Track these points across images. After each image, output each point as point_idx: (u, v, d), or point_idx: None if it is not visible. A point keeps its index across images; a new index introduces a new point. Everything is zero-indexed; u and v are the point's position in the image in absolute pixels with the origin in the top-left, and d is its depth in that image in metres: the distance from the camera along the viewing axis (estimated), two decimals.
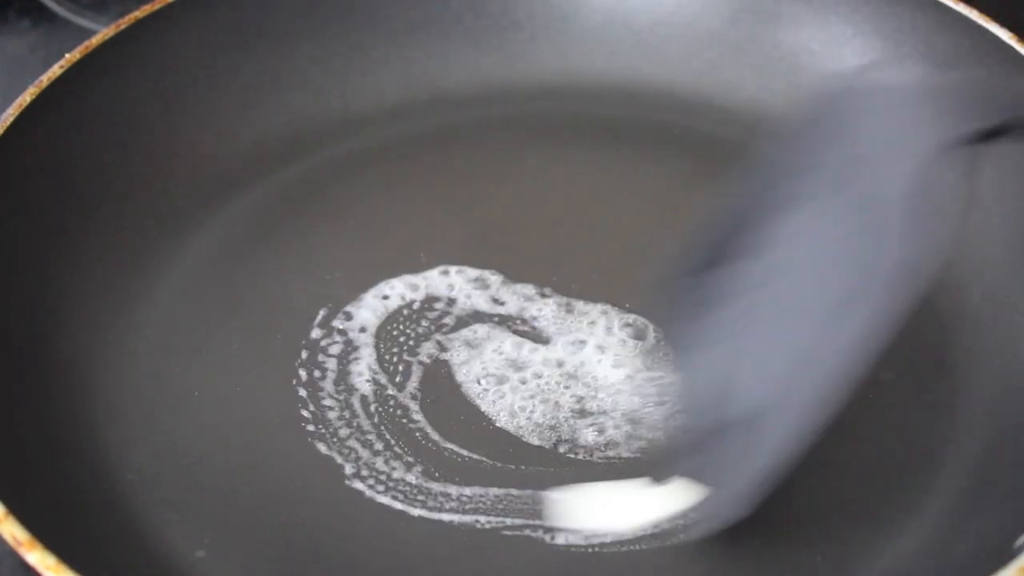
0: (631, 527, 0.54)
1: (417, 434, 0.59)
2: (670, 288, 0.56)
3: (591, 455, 0.57)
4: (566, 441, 0.58)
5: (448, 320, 0.63)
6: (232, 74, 0.71)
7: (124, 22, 0.67)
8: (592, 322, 0.63)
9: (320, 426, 0.59)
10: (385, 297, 0.64)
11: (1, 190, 0.61)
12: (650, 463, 0.56)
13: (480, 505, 0.56)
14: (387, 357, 0.62)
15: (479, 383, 0.61)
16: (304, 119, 0.73)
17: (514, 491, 0.56)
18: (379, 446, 0.58)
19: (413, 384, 0.61)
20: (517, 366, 0.61)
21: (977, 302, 0.63)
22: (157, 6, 0.68)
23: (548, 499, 0.55)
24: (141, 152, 0.68)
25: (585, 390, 0.60)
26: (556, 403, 0.59)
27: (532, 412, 0.59)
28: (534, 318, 0.63)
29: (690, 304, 0.56)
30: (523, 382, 0.60)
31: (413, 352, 0.62)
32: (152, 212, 0.67)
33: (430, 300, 0.64)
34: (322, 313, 0.64)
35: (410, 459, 0.58)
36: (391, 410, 0.60)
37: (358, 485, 0.57)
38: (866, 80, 0.52)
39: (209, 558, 0.55)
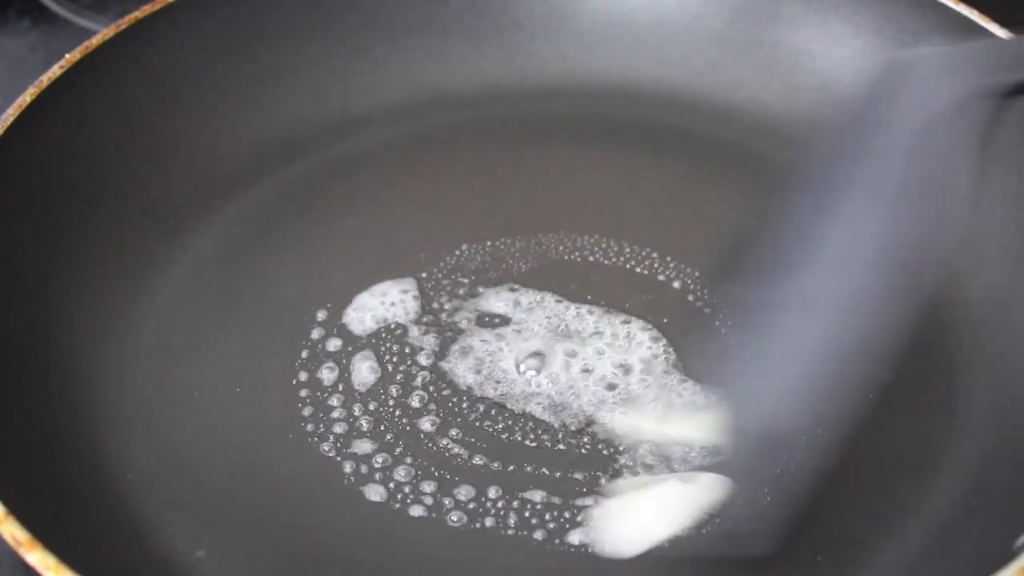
0: (671, 530, 0.54)
1: (417, 434, 0.59)
2: (731, 297, 0.56)
3: (595, 454, 0.57)
4: (569, 441, 0.58)
5: (448, 320, 0.64)
6: (232, 74, 0.71)
7: (124, 22, 0.67)
8: (589, 322, 0.63)
9: (320, 426, 0.59)
10: (385, 297, 0.64)
11: (1, 190, 0.61)
12: (661, 463, 0.56)
13: (480, 505, 0.56)
14: (387, 357, 0.62)
15: (478, 383, 0.61)
16: (304, 119, 0.73)
17: (515, 492, 0.56)
18: (379, 446, 0.58)
19: (413, 384, 0.61)
20: (517, 367, 0.61)
21: (977, 302, 0.63)
22: (157, 6, 0.68)
23: (589, 516, 0.55)
24: (141, 152, 0.68)
25: (585, 390, 0.60)
26: (558, 404, 0.59)
27: (533, 413, 0.59)
28: (534, 318, 0.63)
29: (744, 312, 0.55)
30: (524, 383, 0.60)
31: (413, 352, 0.62)
32: (152, 212, 0.67)
33: (430, 300, 0.64)
34: (322, 313, 0.64)
35: (410, 459, 0.58)
36: (391, 410, 0.60)
37: (358, 485, 0.57)
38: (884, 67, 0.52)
39: (209, 558, 0.55)
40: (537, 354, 0.62)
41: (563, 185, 0.71)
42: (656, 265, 0.66)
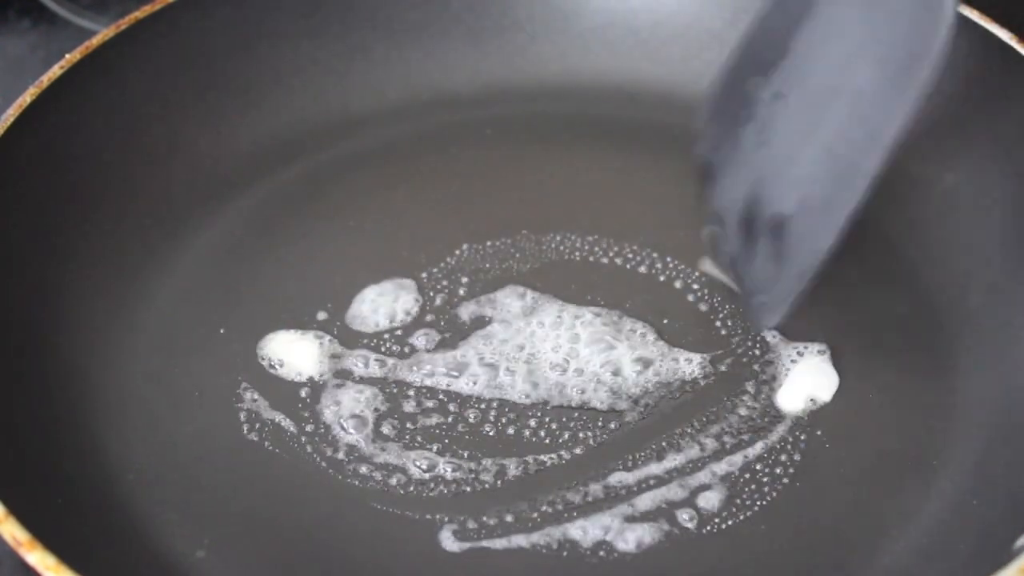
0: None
1: (418, 435, 0.59)
2: (712, 99, 0.57)
3: (594, 455, 0.58)
4: (569, 443, 0.58)
5: (448, 320, 0.64)
6: (232, 74, 0.71)
7: (124, 22, 0.67)
8: (589, 322, 0.63)
9: (320, 426, 0.59)
10: (385, 297, 0.64)
11: (1, 190, 0.61)
12: None
13: (481, 506, 0.56)
14: (387, 357, 0.62)
15: (478, 383, 0.61)
16: (304, 119, 0.73)
17: (515, 491, 0.56)
18: (379, 445, 0.58)
19: (413, 383, 0.61)
20: (516, 366, 0.61)
21: (977, 302, 0.63)
22: (157, 6, 0.68)
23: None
24: (141, 152, 0.68)
25: (586, 390, 0.60)
26: (555, 396, 0.60)
27: (531, 408, 0.59)
28: (534, 318, 0.63)
29: (728, 115, 0.56)
30: (523, 382, 0.60)
31: (414, 351, 0.62)
32: (152, 212, 0.67)
33: (430, 300, 0.65)
34: (322, 313, 0.64)
35: (409, 459, 0.58)
36: (391, 409, 0.60)
37: (358, 484, 0.57)
38: None
39: (209, 558, 0.55)
40: (537, 354, 0.62)
41: (563, 185, 0.71)
42: (656, 265, 0.66)
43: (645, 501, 0.56)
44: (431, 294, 0.65)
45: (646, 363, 0.61)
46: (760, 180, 0.54)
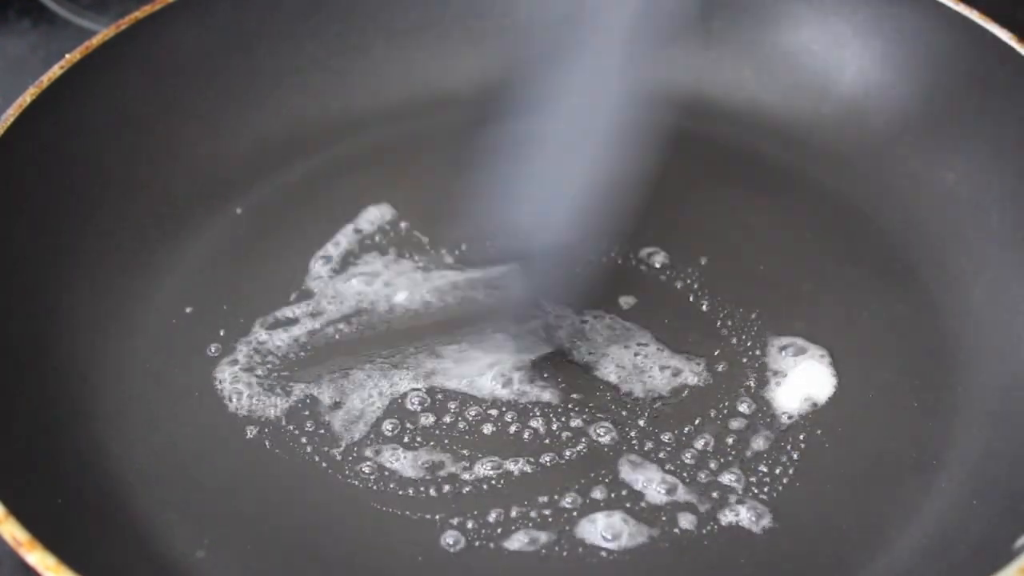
0: None
1: (417, 435, 0.59)
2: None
3: (592, 456, 0.58)
4: (562, 450, 0.58)
5: (447, 317, 0.64)
6: (232, 74, 0.71)
7: (124, 22, 0.67)
8: (589, 321, 0.63)
9: (320, 427, 0.59)
10: (386, 296, 0.64)
11: (1, 190, 0.61)
12: None
13: (481, 506, 0.56)
14: (388, 357, 0.62)
15: (478, 382, 0.61)
16: (304, 119, 0.73)
17: (515, 490, 0.56)
18: (379, 445, 0.58)
19: (413, 383, 0.61)
20: (516, 366, 0.61)
21: (977, 302, 0.63)
22: (157, 6, 0.68)
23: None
24: (141, 152, 0.68)
25: (585, 389, 0.60)
26: (557, 408, 0.60)
27: (531, 408, 0.59)
28: (533, 316, 0.63)
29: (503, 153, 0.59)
30: (524, 381, 0.60)
31: (414, 351, 0.62)
32: (152, 212, 0.67)
33: (431, 299, 0.64)
34: (322, 312, 0.64)
35: (409, 458, 0.58)
36: (391, 408, 0.60)
37: (358, 484, 0.57)
38: None
39: (209, 558, 0.55)
40: (536, 354, 0.62)
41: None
42: (657, 265, 0.66)
43: (645, 501, 0.56)
44: (431, 293, 0.65)
45: (646, 364, 0.61)
46: (522, 212, 0.58)
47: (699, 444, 0.58)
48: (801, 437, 0.58)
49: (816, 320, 0.63)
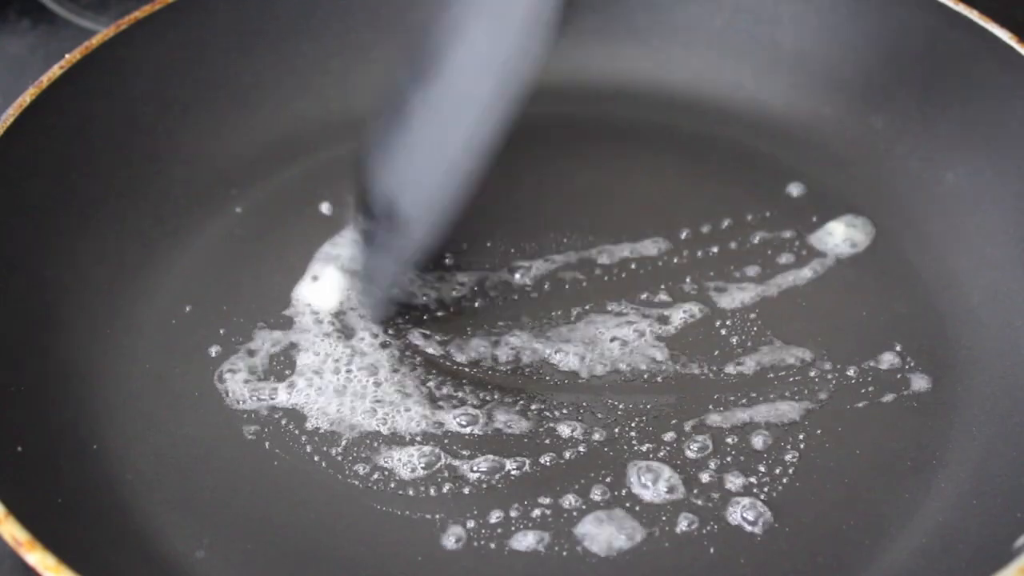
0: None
1: (418, 434, 0.59)
2: (382, 101, 0.61)
3: (584, 461, 0.58)
4: (568, 439, 0.58)
5: (444, 315, 0.64)
6: (232, 74, 0.71)
7: (124, 22, 0.67)
8: (589, 321, 0.63)
9: (320, 426, 0.59)
10: (387, 296, 0.65)
11: (1, 190, 0.61)
12: None
13: (482, 506, 0.56)
14: (388, 355, 0.62)
15: (478, 381, 0.61)
16: (304, 119, 0.73)
17: (515, 492, 0.57)
18: (379, 445, 0.58)
19: (415, 383, 0.61)
20: (516, 365, 0.61)
21: (977, 302, 0.63)
22: (157, 6, 0.68)
23: None
24: (141, 152, 0.68)
25: (582, 385, 0.60)
26: (554, 396, 0.60)
27: (531, 408, 0.59)
28: (534, 317, 0.63)
29: (390, 117, 0.60)
30: (522, 382, 0.60)
31: (416, 351, 0.62)
32: (152, 212, 0.67)
33: (431, 299, 0.64)
34: (323, 313, 0.64)
35: (408, 458, 0.58)
36: (392, 409, 0.60)
37: (358, 484, 0.57)
38: None
39: (209, 558, 0.55)
40: (538, 349, 0.62)
41: (563, 185, 0.71)
42: (657, 264, 0.66)
43: (645, 501, 0.56)
44: (431, 293, 0.65)
45: (646, 364, 0.61)
46: (398, 181, 0.59)
47: (698, 445, 0.58)
48: (801, 437, 0.58)
49: (816, 320, 0.63)
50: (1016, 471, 0.55)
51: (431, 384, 0.61)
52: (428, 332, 0.63)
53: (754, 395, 0.60)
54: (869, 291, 0.64)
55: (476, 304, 0.64)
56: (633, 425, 0.59)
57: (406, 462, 0.58)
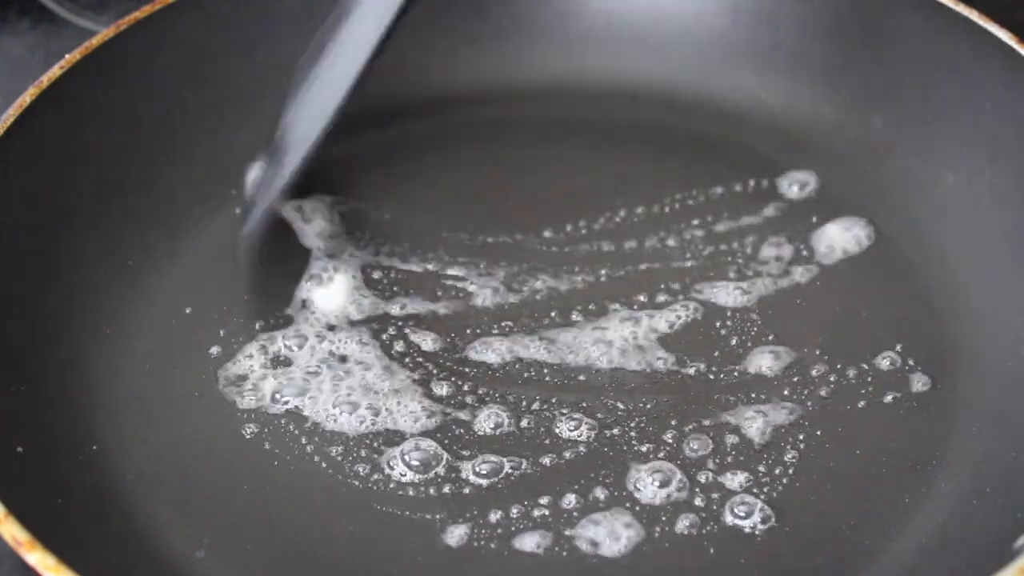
0: None
1: (418, 435, 0.59)
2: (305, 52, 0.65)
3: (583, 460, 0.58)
4: (568, 439, 0.58)
5: (444, 315, 0.64)
6: (232, 75, 0.71)
7: (124, 22, 0.67)
8: (589, 320, 0.63)
9: (321, 426, 0.59)
10: (387, 297, 0.65)
11: (1, 190, 0.61)
12: None
13: (482, 506, 0.56)
14: (388, 356, 0.62)
15: (478, 381, 0.61)
16: None
17: (515, 492, 0.57)
18: (379, 445, 0.58)
19: (413, 383, 0.61)
20: (515, 365, 0.61)
21: (977, 302, 0.63)
22: (157, 6, 0.68)
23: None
24: (141, 152, 0.68)
25: (581, 385, 0.60)
26: (553, 396, 0.60)
27: (530, 408, 0.59)
28: (534, 317, 0.63)
29: (304, 63, 0.65)
30: (522, 382, 0.60)
31: (416, 351, 0.62)
32: (152, 212, 0.67)
33: (431, 299, 0.65)
34: (323, 312, 0.64)
35: (408, 457, 0.58)
36: (391, 408, 0.60)
37: (358, 484, 0.57)
38: None
39: (209, 558, 0.55)
40: (536, 349, 0.62)
41: (563, 185, 0.71)
42: (657, 264, 0.66)
43: (645, 501, 0.56)
44: (430, 293, 0.65)
45: (646, 364, 0.61)
46: (289, 120, 0.65)
47: (698, 445, 0.58)
48: (801, 437, 0.58)
49: (816, 320, 0.63)
50: (1016, 471, 0.55)
51: (431, 384, 0.61)
52: (428, 332, 0.63)
53: (754, 395, 0.60)
54: (869, 291, 0.64)
55: (476, 304, 0.64)
56: (633, 425, 0.59)
57: (406, 462, 0.58)
